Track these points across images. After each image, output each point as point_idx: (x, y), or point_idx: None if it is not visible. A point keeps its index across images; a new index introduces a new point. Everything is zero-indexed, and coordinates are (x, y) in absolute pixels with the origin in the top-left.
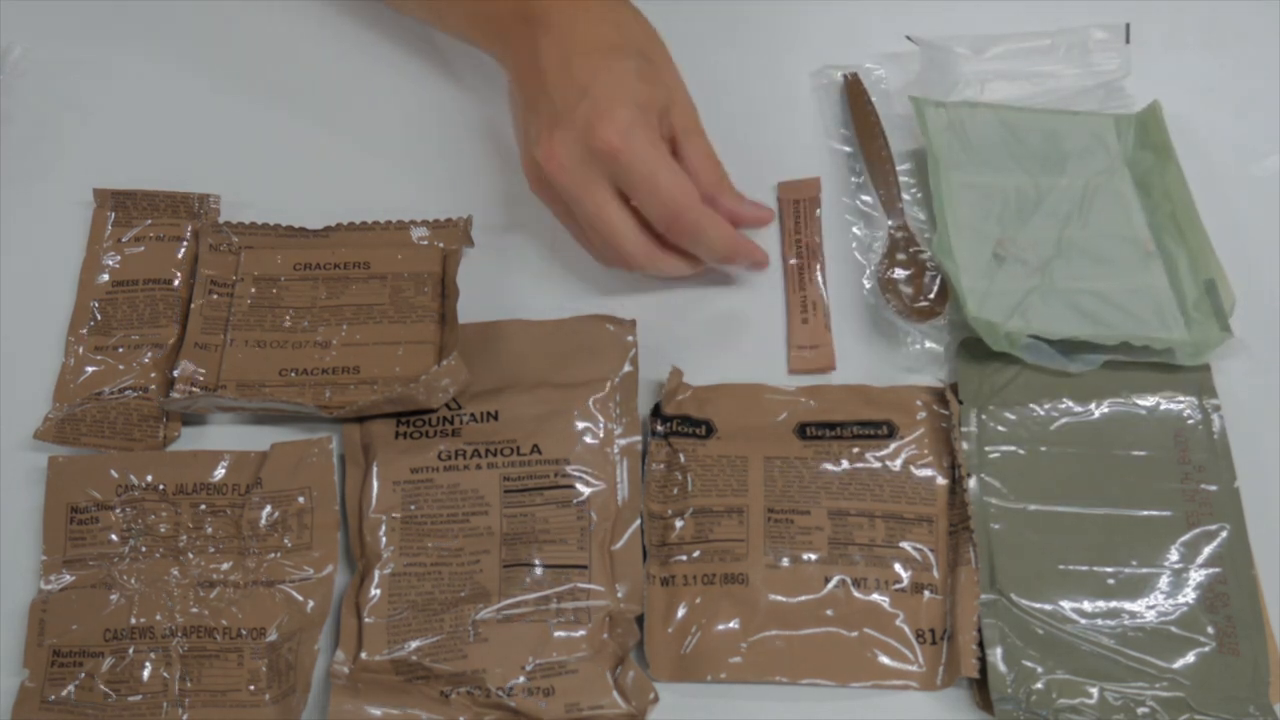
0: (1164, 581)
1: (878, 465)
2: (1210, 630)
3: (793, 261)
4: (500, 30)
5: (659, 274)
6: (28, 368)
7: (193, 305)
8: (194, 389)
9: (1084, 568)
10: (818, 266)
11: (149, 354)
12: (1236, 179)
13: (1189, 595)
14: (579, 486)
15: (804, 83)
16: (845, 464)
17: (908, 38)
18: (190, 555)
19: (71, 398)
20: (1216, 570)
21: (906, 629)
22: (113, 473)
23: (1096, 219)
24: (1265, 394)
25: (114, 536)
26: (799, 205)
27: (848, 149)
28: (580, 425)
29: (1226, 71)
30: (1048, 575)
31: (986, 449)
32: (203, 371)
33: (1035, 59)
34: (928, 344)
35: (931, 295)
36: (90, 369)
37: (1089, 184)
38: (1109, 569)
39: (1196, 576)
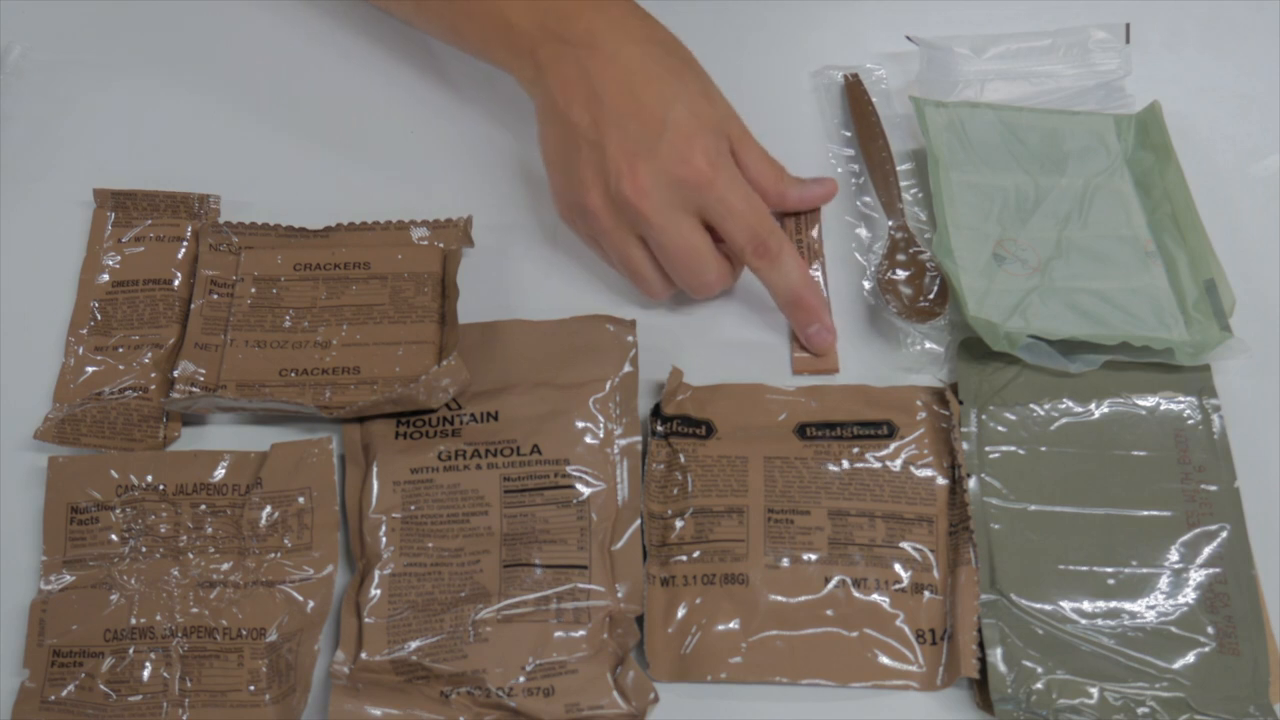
0: (1164, 581)
1: (878, 465)
2: (1210, 630)
3: None
4: (527, 48)
5: (718, 290)
6: (28, 368)
7: (193, 305)
8: (194, 389)
9: (1084, 568)
10: (818, 267)
11: (149, 354)
12: (1236, 179)
13: (1189, 595)
14: (579, 486)
15: (804, 83)
16: (845, 464)
17: (908, 38)
18: (190, 555)
19: (71, 398)
20: (1216, 570)
21: (906, 629)
22: (113, 473)
23: (1096, 219)
24: (1265, 394)
25: (114, 537)
26: None
27: (848, 150)
28: (580, 425)
29: (1226, 71)
30: (1048, 575)
31: (986, 449)
32: (203, 372)
33: (1035, 59)
34: (928, 344)
35: (931, 296)
36: (90, 369)
37: (1089, 184)
38: (1109, 569)
39: (1196, 576)
